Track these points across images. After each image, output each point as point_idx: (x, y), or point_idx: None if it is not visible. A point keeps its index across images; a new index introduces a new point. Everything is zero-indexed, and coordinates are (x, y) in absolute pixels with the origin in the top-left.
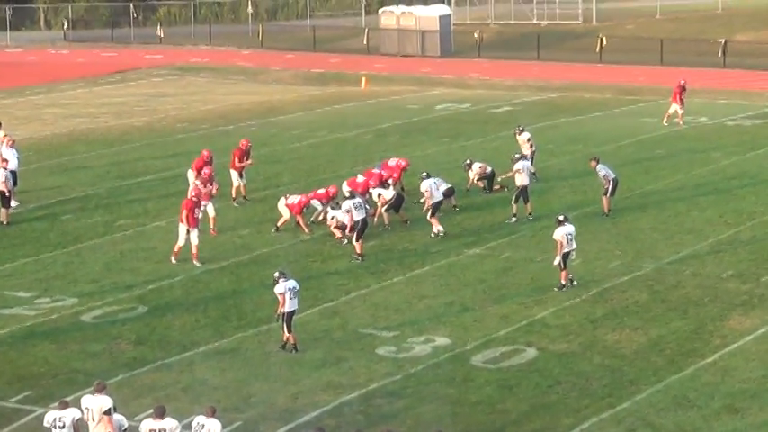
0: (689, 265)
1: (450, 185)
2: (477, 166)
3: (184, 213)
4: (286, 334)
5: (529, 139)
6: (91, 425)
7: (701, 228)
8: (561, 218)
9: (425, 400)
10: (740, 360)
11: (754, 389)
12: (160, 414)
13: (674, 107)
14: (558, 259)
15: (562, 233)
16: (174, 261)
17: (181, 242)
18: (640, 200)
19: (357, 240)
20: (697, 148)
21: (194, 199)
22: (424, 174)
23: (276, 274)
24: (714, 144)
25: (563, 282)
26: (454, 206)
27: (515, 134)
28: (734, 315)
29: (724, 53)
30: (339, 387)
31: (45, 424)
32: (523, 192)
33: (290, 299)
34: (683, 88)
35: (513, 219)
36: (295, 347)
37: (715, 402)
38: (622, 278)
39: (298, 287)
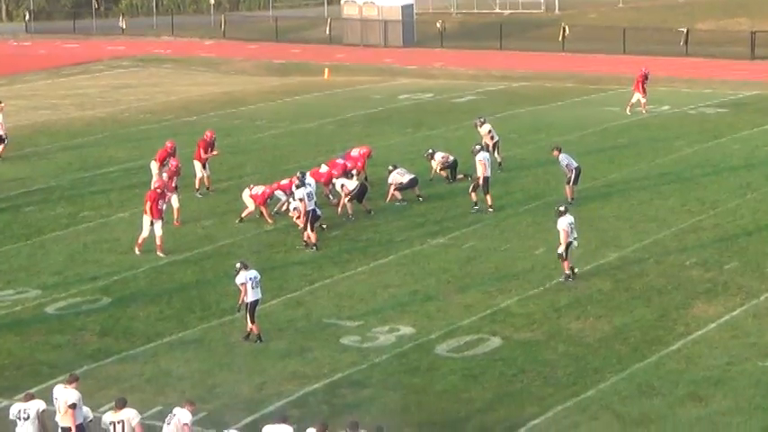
0: (652, 253)
1: (413, 175)
2: (439, 156)
3: (148, 205)
4: (249, 324)
5: (490, 131)
6: (58, 415)
7: (664, 216)
8: (562, 208)
9: (390, 390)
10: (704, 348)
11: (717, 376)
12: (120, 405)
13: (637, 96)
14: (561, 248)
15: (565, 223)
16: (138, 252)
17: (145, 233)
18: (604, 189)
19: (311, 230)
20: (660, 136)
21: (158, 190)
22: (391, 167)
23: (238, 265)
24: (677, 133)
25: (567, 272)
26: (418, 196)
27: (476, 126)
28: (697, 303)
29: (686, 42)
30: (304, 377)
31: (10, 417)
32: (485, 183)
33: (253, 288)
34: (645, 77)
35: (476, 207)
36: (259, 338)
37: (679, 390)
38: (586, 267)
39: (259, 277)
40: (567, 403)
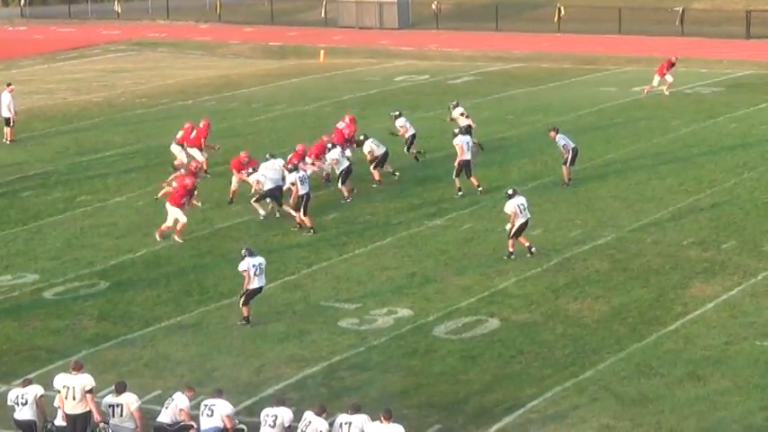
0: (650, 233)
1: (385, 147)
2: (400, 122)
3: (178, 196)
4: (241, 307)
5: (462, 113)
6: (71, 403)
7: (661, 196)
8: (510, 191)
9: (388, 372)
10: (702, 327)
11: (715, 356)
12: (120, 389)
13: (657, 79)
14: (511, 229)
15: (513, 205)
16: (159, 239)
17: (169, 222)
18: (601, 169)
19: (305, 215)
20: (656, 116)
21: (189, 187)
22: (363, 136)
23: (243, 251)
24: (673, 112)
25: (510, 250)
26: (393, 173)
27: (449, 109)
28: (695, 283)
29: (682, 21)
30: (302, 360)
31: (8, 402)
32: (466, 166)
33: (256, 275)
34: (672, 64)
35: (460, 193)
36: (246, 320)
37: (677, 370)
38: (583, 247)
39: (264, 263)
40: (566, 384)
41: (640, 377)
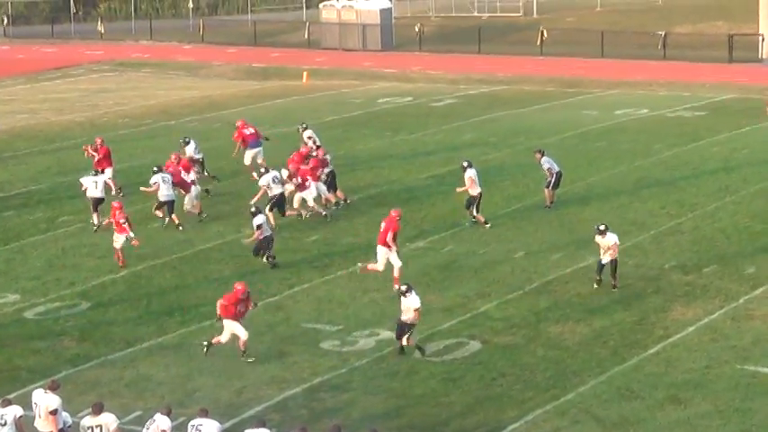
0: (632, 256)
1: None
2: (308, 133)
3: (390, 236)
4: (402, 341)
5: (310, 137)
6: (39, 421)
7: (643, 219)
8: (602, 227)
9: (370, 394)
10: (683, 351)
11: (697, 379)
12: (98, 410)
13: None
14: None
15: (615, 237)
16: (398, 287)
17: (393, 265)
18: (583, 192)
19: (281, 213)
20: (639, 139)
21: (398, 218)
22: (263, 170)
23: (404, 288)
24: (656, 136)
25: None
26: (345, 200)
27: (299, 131)
28: (676, 306)
29: (664, 45)
30: (283, 381)
31: None
32: (474, 198)
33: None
34: None
35: (468, 224)
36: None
37: (658, 393)
38: (565, 270)
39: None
40: (547, 407)
41: (621, 400)
